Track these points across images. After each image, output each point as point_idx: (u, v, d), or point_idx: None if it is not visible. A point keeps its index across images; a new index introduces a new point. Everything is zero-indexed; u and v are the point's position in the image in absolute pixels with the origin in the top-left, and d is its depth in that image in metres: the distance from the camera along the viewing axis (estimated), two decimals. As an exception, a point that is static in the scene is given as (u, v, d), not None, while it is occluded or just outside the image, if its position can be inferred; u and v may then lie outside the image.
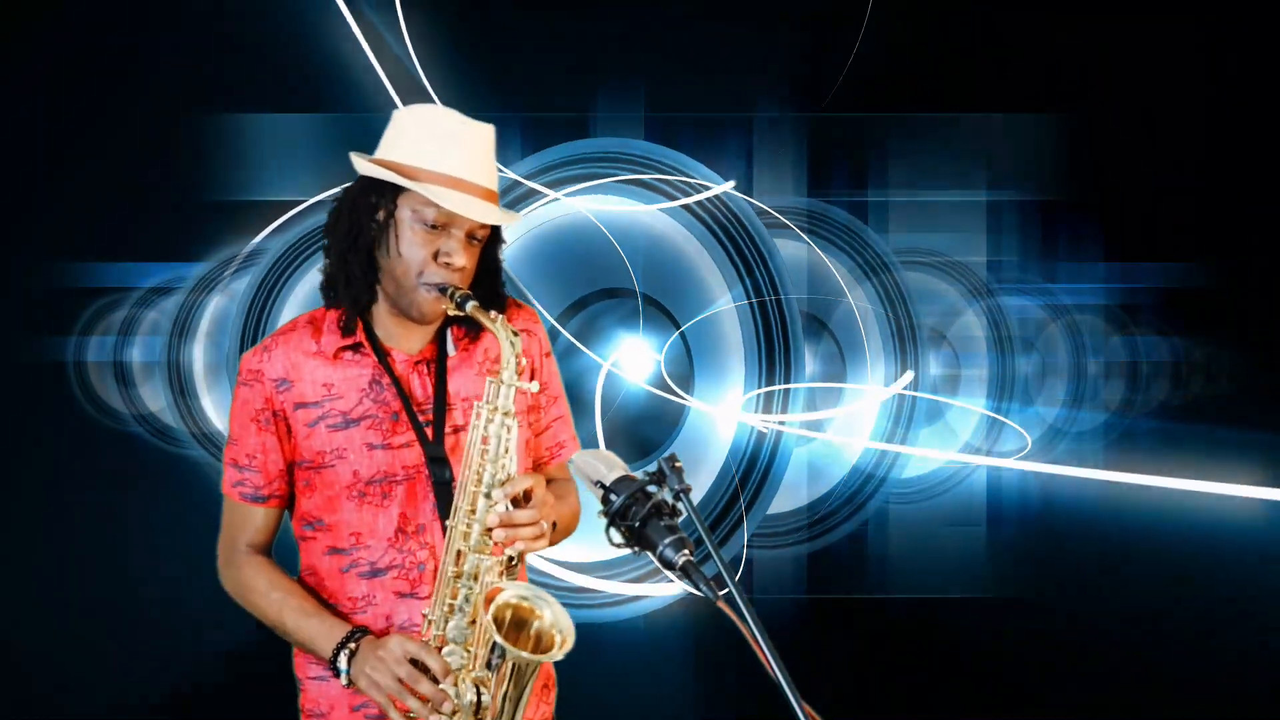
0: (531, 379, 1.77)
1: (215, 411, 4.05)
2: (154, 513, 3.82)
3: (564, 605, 1.59)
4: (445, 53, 3.82)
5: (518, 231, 4.12)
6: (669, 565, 1.31)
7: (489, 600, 1.52)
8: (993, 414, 4.27)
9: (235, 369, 1.71)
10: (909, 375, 4.23)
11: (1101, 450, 4.16)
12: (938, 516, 4.23)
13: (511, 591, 1.56)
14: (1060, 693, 3.73)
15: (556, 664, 1.82)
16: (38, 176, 3.73)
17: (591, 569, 4.04)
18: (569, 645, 1.51)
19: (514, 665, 1.51)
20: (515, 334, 1.62)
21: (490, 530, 1.58)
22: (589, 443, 4.10)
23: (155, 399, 4.04)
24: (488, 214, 1.62)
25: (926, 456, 4.28)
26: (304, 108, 3.94)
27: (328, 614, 1.65)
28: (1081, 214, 4.17)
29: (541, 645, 1.55)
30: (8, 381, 3.77)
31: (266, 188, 4.00)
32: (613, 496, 1.36)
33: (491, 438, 1.61)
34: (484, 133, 1.66)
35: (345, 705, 1.69)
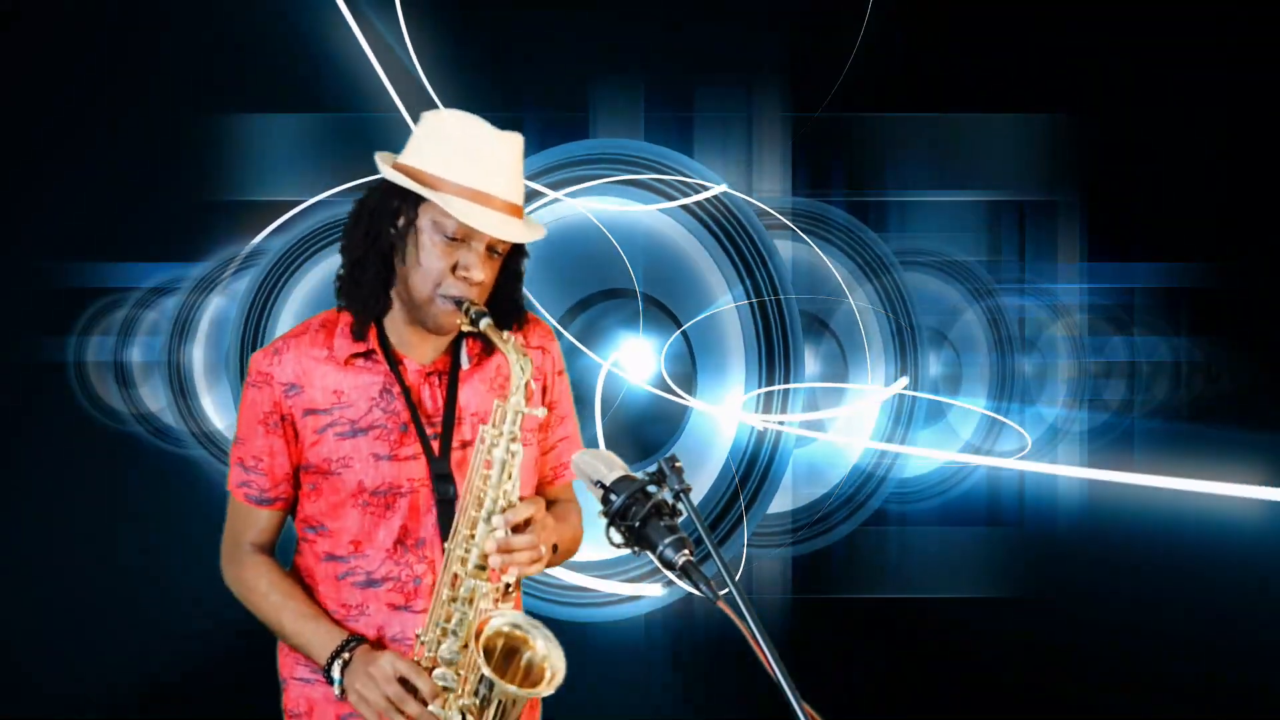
0: (543, 396, 1.75)
1: (215, 411, 4.04)
2: (154, 513, 3.82)
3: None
4: (445, 52, 3.82)
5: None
6: (669, 565, 1.31)
7: (478, 633, 1.51)
8: (993, 414, 4.27)
9: (235, 369, 1.70)
10: (904, 380, 4.23)
11: (1102, 450, 4.15)
12: (937, 516, 4.23)
13: (504, 620, 1.54)
14: (1060, 693, 3.73)
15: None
16: (38, 176, 3.72)
17: (591, 569, 4.03)
18: (559, 680, 1.50)
19: (500, 699, 1.50)
20: (526, 357, 1.59)
21: (488, 556, 1.56)
22: (590, 443, 4.09)
23: (155, 399, 4.03)
24: (507, 229, 1.58)
25: (927, 456, 4.28)
26: (304, 108, 3.93)
27: (325, 619, 1.64)
28: (1081, 214, 4.17)
29: (531, 676, 1.54)
30: (8, 381, 3.77)
31: (266, 188, 4.00)
32: (613, 496, 1.36)
33: (495, 462, 1.57)
34: (512, 143, 1.61)
35: (328, 709, 1.69)
